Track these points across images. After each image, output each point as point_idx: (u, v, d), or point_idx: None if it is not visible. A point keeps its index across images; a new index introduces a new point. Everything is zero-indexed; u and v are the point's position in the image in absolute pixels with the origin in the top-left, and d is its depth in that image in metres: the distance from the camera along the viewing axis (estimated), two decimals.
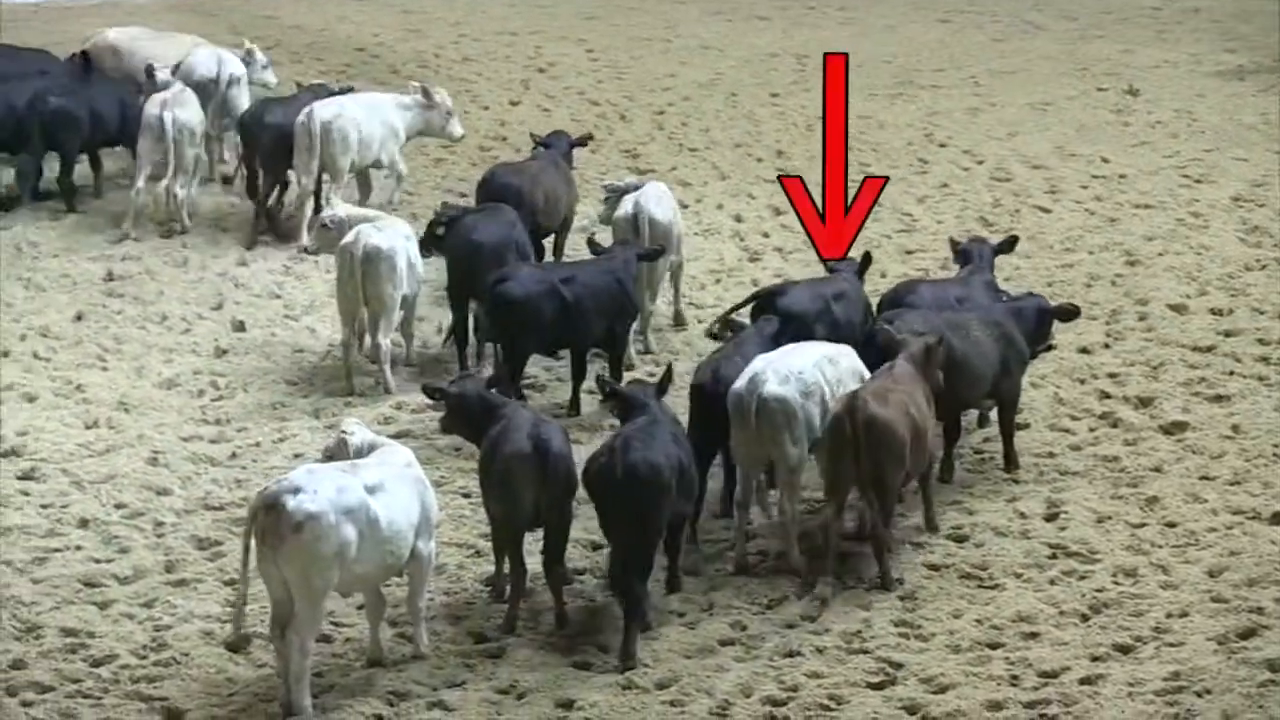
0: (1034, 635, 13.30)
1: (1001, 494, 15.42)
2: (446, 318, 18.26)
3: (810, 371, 14.17)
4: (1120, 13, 32.18)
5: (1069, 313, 16.19)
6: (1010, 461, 15.78)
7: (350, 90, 21.83)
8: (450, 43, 30.37)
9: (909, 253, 20.79)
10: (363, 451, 13.05)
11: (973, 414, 16.31)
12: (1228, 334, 18.50)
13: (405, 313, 17.64)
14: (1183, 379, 17.47)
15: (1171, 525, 14.83)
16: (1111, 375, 17.64)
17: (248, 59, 22.82)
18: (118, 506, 15.28)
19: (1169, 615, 13.47)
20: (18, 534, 14.80)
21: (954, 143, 24.88)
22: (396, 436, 15.33)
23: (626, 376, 16.44)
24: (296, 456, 15.82)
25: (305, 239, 19.62)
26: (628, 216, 17.91)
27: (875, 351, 14.77)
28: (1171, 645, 13.09)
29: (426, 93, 21.38)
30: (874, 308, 16.33)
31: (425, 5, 33.09)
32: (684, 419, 14.29)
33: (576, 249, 19.14)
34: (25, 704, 12.55)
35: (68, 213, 21.66)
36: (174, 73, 21.76)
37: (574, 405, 16.94)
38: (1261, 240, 21.07)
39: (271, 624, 12.32)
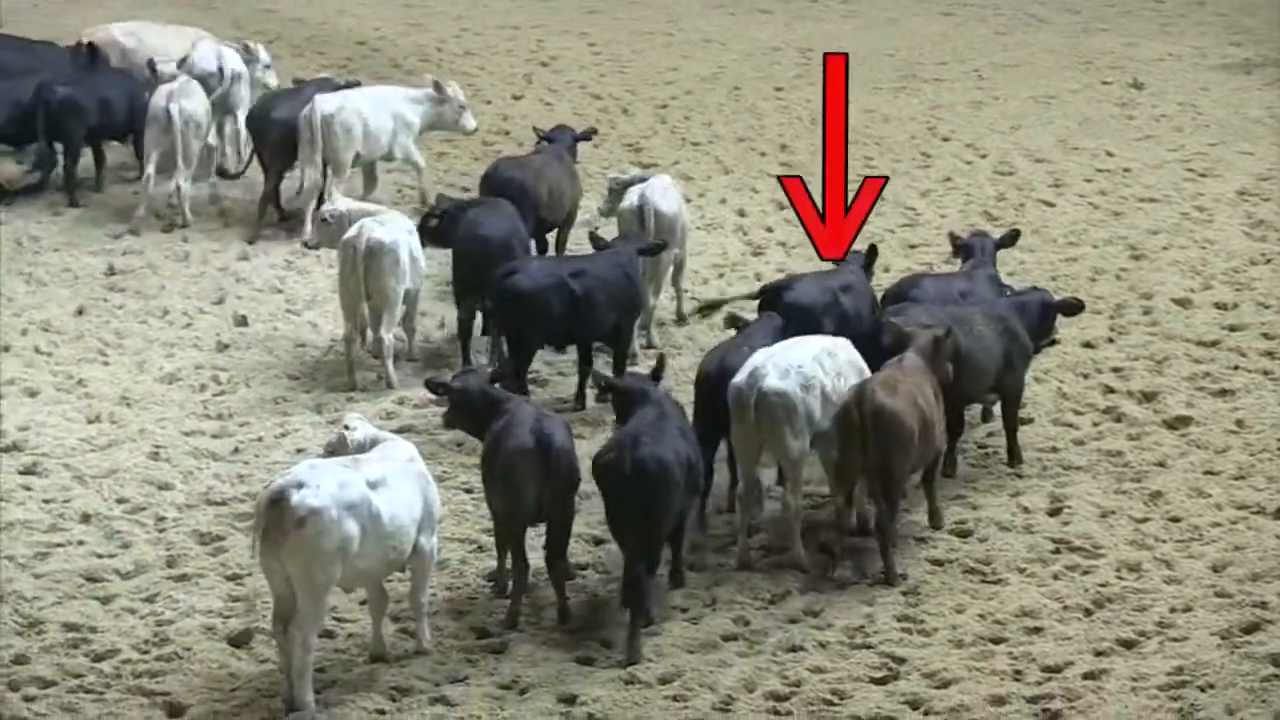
0: (1037, 630, 13.29)
1: (1005, 489, 15.40)
2: (449, 312, 18.24)
3: (810, 365, 14.14)
4: (1124, 5, 32.08)
5: (1073, 307, 16.16)
6: (1014, 456, 15.76)
7: (356, 84, 21.77)
8: (452, 37, 30.31)
9: (912, 247, 20.73)
10: (365, 446, 13.04)
11: (976, 408, 16.28)
12: (1232, 328, 18.46)
13: (408, 307, 17.61)
14: (1187, 373, 17.44)
15: (1175, 520, 14.81)
16: (1115, 370, 17.60)
17: (250, 57, 22.74)
18: (119, 501, 15.26)
19: (1172, 610, 13.46)
20: (19, 529, 14.79)
21: (957, 136, 24.81)
22: (399, 431, 15.27)
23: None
24: (299, 451, 15.80)
25: (307, 233, 19.58)
26: (633, 208, 17.86)
27: (880, 345, 14.74)
28: (1175, 640, 13.08)
29: (439, 86, 21.27)
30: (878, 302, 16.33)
31: None
32: (689, 412, 14.28)
33: (578, 244, 19.09)
34: (27, 699, 12.55)
35: (69, 207, 21.65)
36: (179, 67, 21.74)
37: (579, 399, 16.93)
38: (1267, 234, 21.02)
39: (274, 619, 12.31)
